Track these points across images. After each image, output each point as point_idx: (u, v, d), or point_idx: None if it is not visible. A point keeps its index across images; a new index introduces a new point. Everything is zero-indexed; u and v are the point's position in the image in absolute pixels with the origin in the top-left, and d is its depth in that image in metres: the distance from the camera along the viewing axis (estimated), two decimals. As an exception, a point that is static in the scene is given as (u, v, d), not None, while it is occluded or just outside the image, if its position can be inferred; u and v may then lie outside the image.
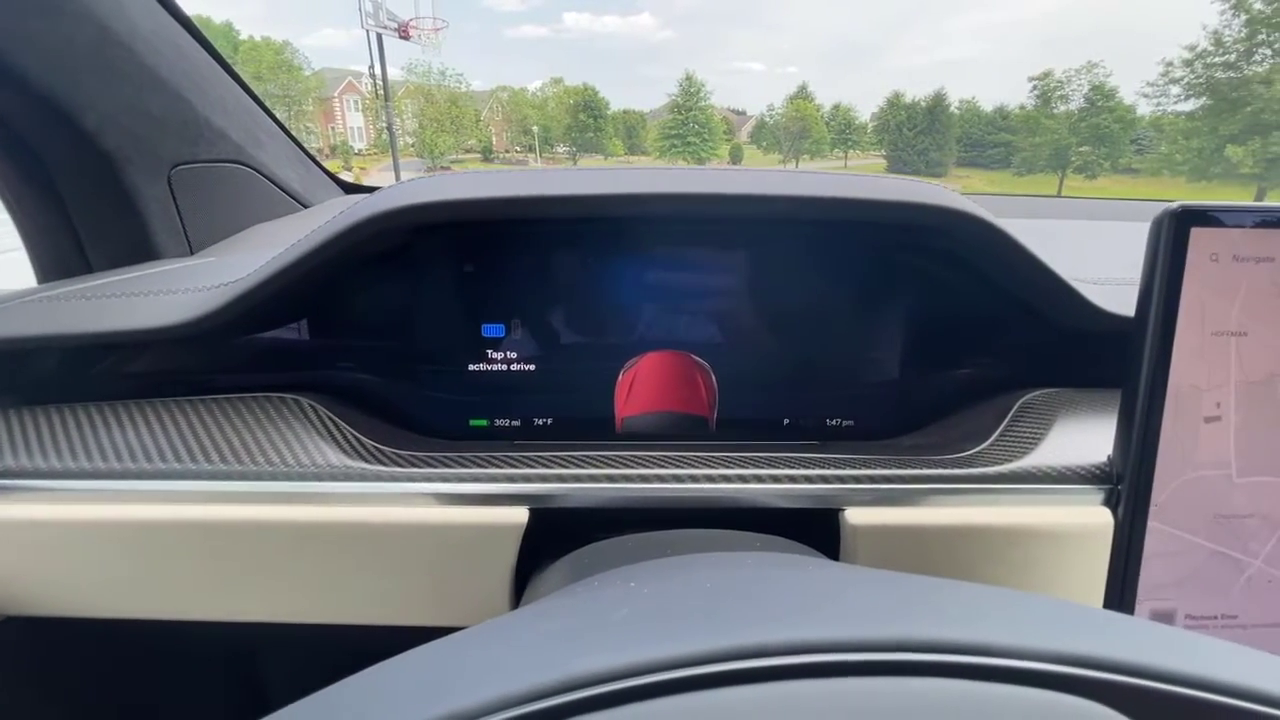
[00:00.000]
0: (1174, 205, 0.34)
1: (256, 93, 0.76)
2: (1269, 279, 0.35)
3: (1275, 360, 0.36)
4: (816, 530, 0.40)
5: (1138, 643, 0.16)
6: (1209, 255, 0.35)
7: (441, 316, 0.45)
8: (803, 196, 0.39)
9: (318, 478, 0.39)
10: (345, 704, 0.18)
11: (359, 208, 0.39)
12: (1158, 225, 0.35)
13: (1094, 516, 0.38)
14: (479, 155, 41.71)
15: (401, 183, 0.41)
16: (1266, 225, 0.35)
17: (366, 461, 0.40)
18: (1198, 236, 0.35)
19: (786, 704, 0.14)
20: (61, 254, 0.61)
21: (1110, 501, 0.39)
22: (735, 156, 44.45)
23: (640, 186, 0.39)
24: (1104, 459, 0.40)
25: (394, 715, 0.16)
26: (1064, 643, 0.16)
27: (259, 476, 0.39)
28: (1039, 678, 0.15)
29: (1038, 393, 0.45)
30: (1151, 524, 0.37)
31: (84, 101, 0.55)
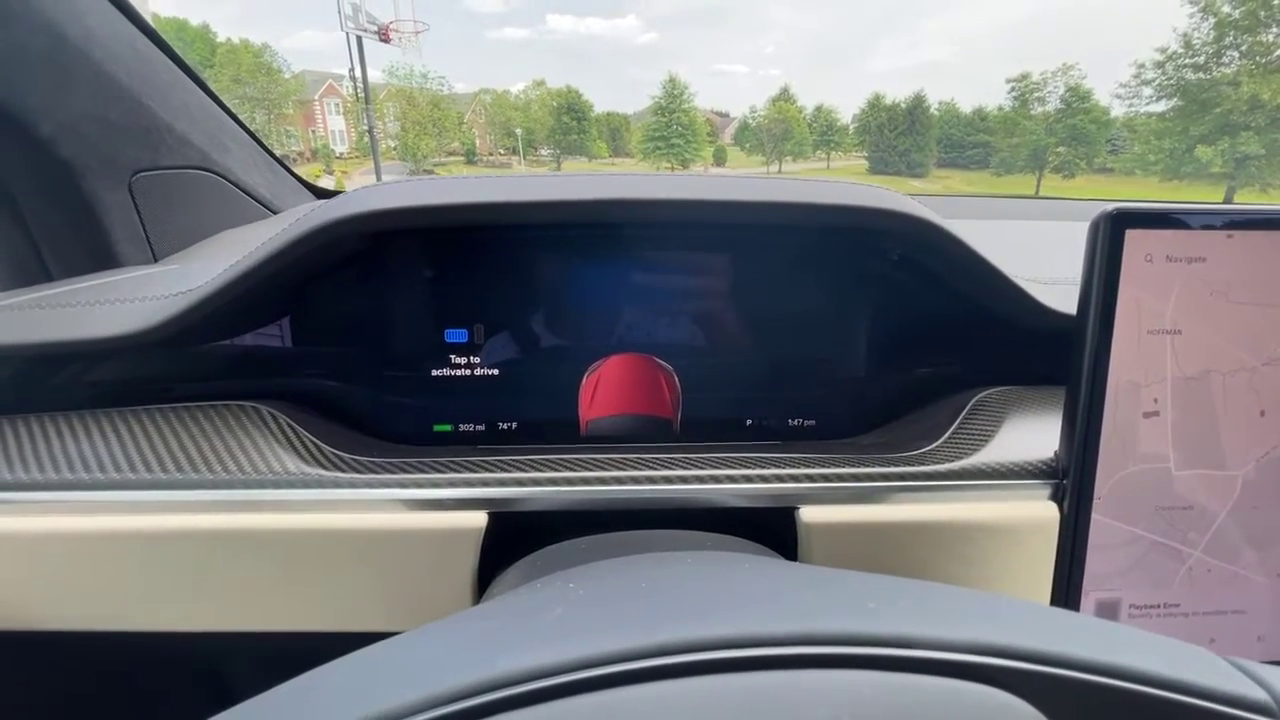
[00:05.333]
0: (1110, 208, 0.36)
1: (235, 96, 0.76)
2: (1200, 279, 0.36)
3: (1208, 356, 0.37)
4: (775, 529, 0.41)
5: (1038, 630, 0.17)
6: (1144, 256, 0.36)
7: (403, 322, 0.46)
8: (741, 201, 0.40)
9: (276, 485, 0.39)
10: (274, 708, 0.18)
11: (312, 215, 0.39)
12: (1095, 228, 0.36)
13: (1041, 511, 0.40)
14: (462, 158, 41.48)
15: (360, 189, 0.41)
16: (1197, 227, 0.36)
17: (325, 468, 0.40)
18: (1133, 238, 0.36)
19: (692, 700, 0.15)
20: (20, 263, 0.61)
21: (1056, 496, 0.40)
22: (719, 158, 44.66)
23: (578, 193, 0.40)
24: (1051, 455, 0.41)
25: (320, 717, 0.17)
26: (969, 632, 0.16)
27: (216, 485, 0.39)
28: (944, 667, 0.16)
29: (991, 391, 0.46)
30: (1095, 517, 0.38)
31: (39, 109, 0.54)
